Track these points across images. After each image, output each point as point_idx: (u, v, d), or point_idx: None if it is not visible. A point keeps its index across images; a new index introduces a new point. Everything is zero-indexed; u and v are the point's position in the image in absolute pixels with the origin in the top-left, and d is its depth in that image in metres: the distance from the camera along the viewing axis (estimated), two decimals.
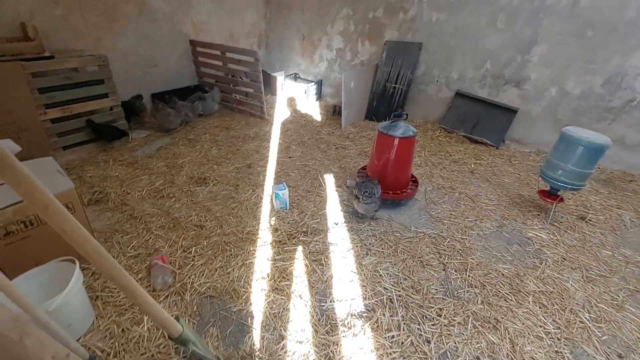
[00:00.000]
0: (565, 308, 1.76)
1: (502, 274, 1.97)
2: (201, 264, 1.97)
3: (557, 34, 3.27)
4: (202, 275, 1.89)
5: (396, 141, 2.39)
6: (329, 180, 2.97)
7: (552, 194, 2.46)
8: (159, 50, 4.36)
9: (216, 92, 4.46)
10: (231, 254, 2.06)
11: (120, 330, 1.56)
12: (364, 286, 1.84)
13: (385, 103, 4.37)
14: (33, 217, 1.62)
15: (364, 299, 1.77)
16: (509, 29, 3.51)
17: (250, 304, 1.72)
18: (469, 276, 1.94)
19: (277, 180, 2.91)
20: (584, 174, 2.25)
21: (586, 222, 2.50)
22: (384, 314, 1.67)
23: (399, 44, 4.17)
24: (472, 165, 3.30)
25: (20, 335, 0.39)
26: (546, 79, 3.46)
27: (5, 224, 1.55)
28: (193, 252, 2.07)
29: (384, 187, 2.43)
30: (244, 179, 2.92)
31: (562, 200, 2.46)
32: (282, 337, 1.54)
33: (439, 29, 3.93)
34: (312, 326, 1.60)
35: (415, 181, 2.74)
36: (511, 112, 3.68)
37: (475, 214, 2.54)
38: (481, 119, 3.84)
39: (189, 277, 1.87)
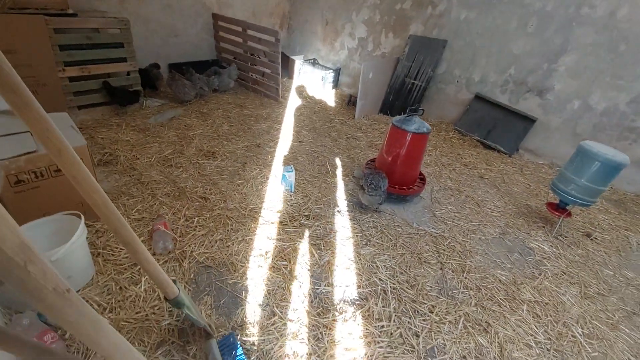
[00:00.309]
0: (559, 321, 1.75)
1: (499, 280, 1.96)
2: (202, 235, 2.00)
3: (588, 44, 3.17)
4: (202, 245, 1.92)
5: (409, 136, 2.37)
6: (337, 168, 2.96)
7: (560, 208, 2.42)
8: (180, 21, 4.34)
9: (233, 69, 4.44)
10: (232, 229, 2.08)
11: (118, 287, 1.60)
12: (360, 275, 1.85)
13: (402, 98, 4.31)
14: (44, 168, 1.64)
15: (359, 287, 1.78)
16: (538, 34, 3.40)
17: (246, 278, 1.75)
18: (465, 278, 1.93)
19: (285, 163, 2.91)
20: (596, 191, 2.21)
21: (591, 239, 2.46)
22: (376, 304, 1.68)
23: (423, 39, 4.08)
24: (483, 171, 3.26)
25: (25, 262, 0.39)
26: (570, 91, 3.37)
27: (17, 172, 1.58)
28: (195, 222, 2.09)
29: (390, 182, 2.42)
30: (252, 158, 2.93)
31: (569, 214, 2.42)
32: (274, 314, 1.57)
33: (466, 28, 3.83)
34: (305, 307, 1.62)
35: (422, 179, 2.71)
36: (529, 121, 3.60)
37: (479, 219, 2.52)
38: (497, 125, 3.76)
39: (189, 245, 1.90)
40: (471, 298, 1.81)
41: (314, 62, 5.41)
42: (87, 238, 1.64)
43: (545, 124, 3.58)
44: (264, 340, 1.45)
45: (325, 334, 1.50)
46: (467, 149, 3.66)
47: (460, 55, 3.97)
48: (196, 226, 2.06)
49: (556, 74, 3.41)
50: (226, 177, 2.60)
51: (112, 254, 1.77)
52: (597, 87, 3.22)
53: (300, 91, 4.87)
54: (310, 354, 1.41)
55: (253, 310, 1.58)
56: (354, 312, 1.63)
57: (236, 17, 4.69)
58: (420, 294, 1.78)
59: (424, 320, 1.64)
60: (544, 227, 2.52)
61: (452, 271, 1.97)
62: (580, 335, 1.69)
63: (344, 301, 1.68)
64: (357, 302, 1.69)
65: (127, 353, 0.62)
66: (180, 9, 4.26)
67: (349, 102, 4.52)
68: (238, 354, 1.31)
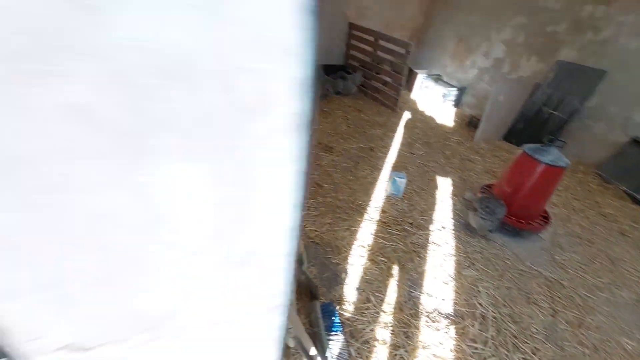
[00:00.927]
0: None
1: (624, 348, 1.67)
2: (314, 215, 2.24)
3: None
4: (313, 224, 2.16)
5: (541, 167, 2.19)
6: (446, 186, 2.90)
7: None
8: (319, 26, 4.81)
9: (358, 76, 4.72)
10: (340, 217, 2.27)
11: None
12: (458, 293, 1.82)
13: (534, 128, 3.92)
14: None
15: (455, 304, 1.75)
16: None
17: (348, 262, 1.91)
18: (581, 333, 1.71)
19: (395, 169, 2.99)
20: None
21: None
22: (472, 325, 1.63)
23: (574, 67, 3.64)
24: (626, 227, 2.75)
25: None
26: None
27: None
28: (309, 203, 2.35)
29: (508, 212, 2.28)
30: (365, 159, 3.10)
31: None
32: (369, 300, 1.68)
33: (636, 60, 3.27)
34: (398, 304, 1.69)
35: (546, 218, 2.46)
36: None
37: (611, 278, 2.16)
38: None
39: (303, 221, 2.16)
40: (585, 356, 1.60)
41: (438, 78, 5.33)
42: None
43: None
44: (357, 319, 1.58)
45: (415, 334, 1.55)
46: (609, 199, 3.13)
47: (622, 90, 3.41)
48: (309, 207, 2.33)
49: None
50: (339, 172, 2.84)
51: None
52: None
53: (418, 105, 4.87)
54: (399, 347, 1.48)
55: (350, 291, 1.73)
56: (448, 325, 1.62)
57: (370, 27, 4.97)
58: (523, 332, 1.66)
59: (523, 358, 1.53)
60: None
61: (567, 322, 1.77)
62: None
63: (438, 312, 1.69)
64: (451, 317, 1.67)
65: None
66: (322, 16, 4.74)
67: (469, 123, 4.34)
68: (336, 321, 1.47)
